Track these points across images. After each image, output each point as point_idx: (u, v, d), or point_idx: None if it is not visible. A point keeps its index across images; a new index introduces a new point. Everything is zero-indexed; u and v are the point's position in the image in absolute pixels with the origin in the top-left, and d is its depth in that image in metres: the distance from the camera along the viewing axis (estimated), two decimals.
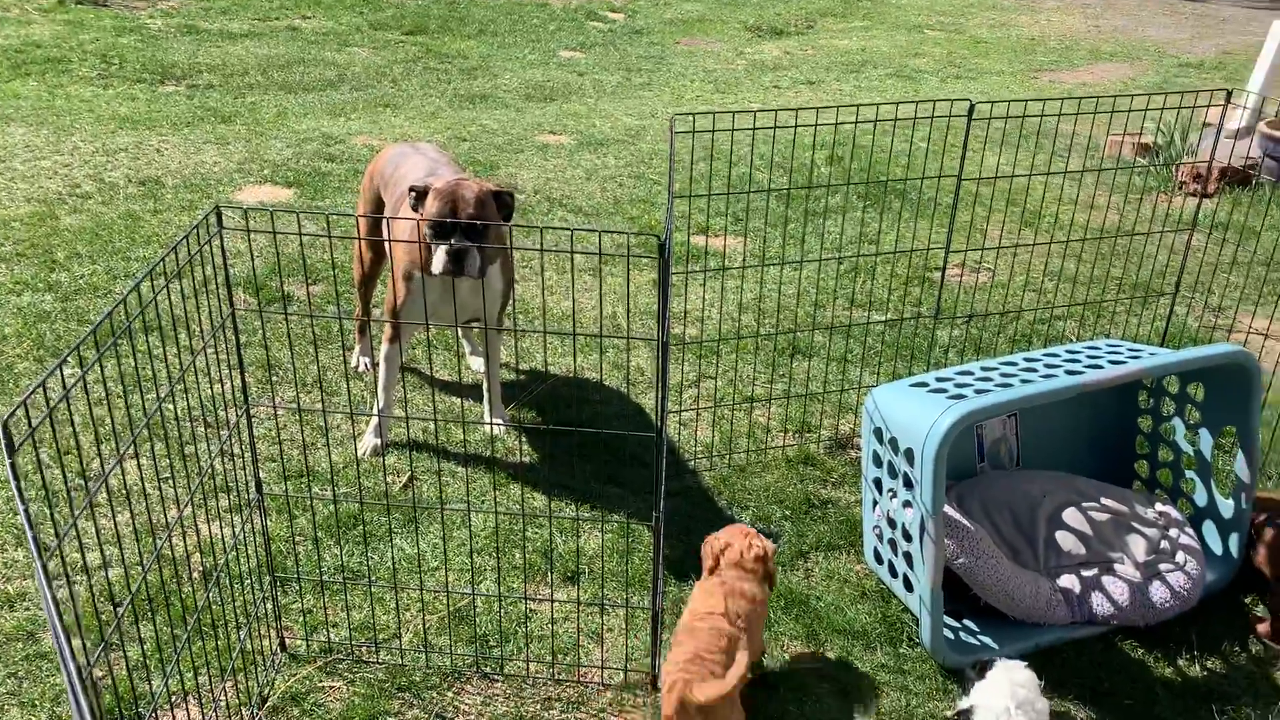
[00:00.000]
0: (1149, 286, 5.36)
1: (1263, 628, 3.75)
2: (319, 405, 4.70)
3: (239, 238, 5.56)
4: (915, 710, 3.41)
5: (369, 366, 5.05)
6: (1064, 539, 3.79)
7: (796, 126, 4.03)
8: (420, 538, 3.99)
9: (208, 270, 2.83)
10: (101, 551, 2.67)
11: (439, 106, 9.30)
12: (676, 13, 13.54)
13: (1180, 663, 3.64)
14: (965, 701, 3.13)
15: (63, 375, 2.29)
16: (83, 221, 6.22)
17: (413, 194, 4.04)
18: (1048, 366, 3.75)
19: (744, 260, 5.93)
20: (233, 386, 3.20)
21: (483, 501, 4.21)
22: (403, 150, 4.70)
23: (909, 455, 3.49)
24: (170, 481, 3.92)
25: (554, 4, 13.51)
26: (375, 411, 4.53)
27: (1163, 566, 3.73)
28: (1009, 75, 11.63)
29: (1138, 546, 3.76)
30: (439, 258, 3.96)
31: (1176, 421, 4.09)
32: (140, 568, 3.49)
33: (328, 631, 3.56)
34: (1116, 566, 3.75)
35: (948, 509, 3.64)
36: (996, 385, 3.60)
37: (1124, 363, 3.68)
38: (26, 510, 2.07)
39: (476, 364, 5.09)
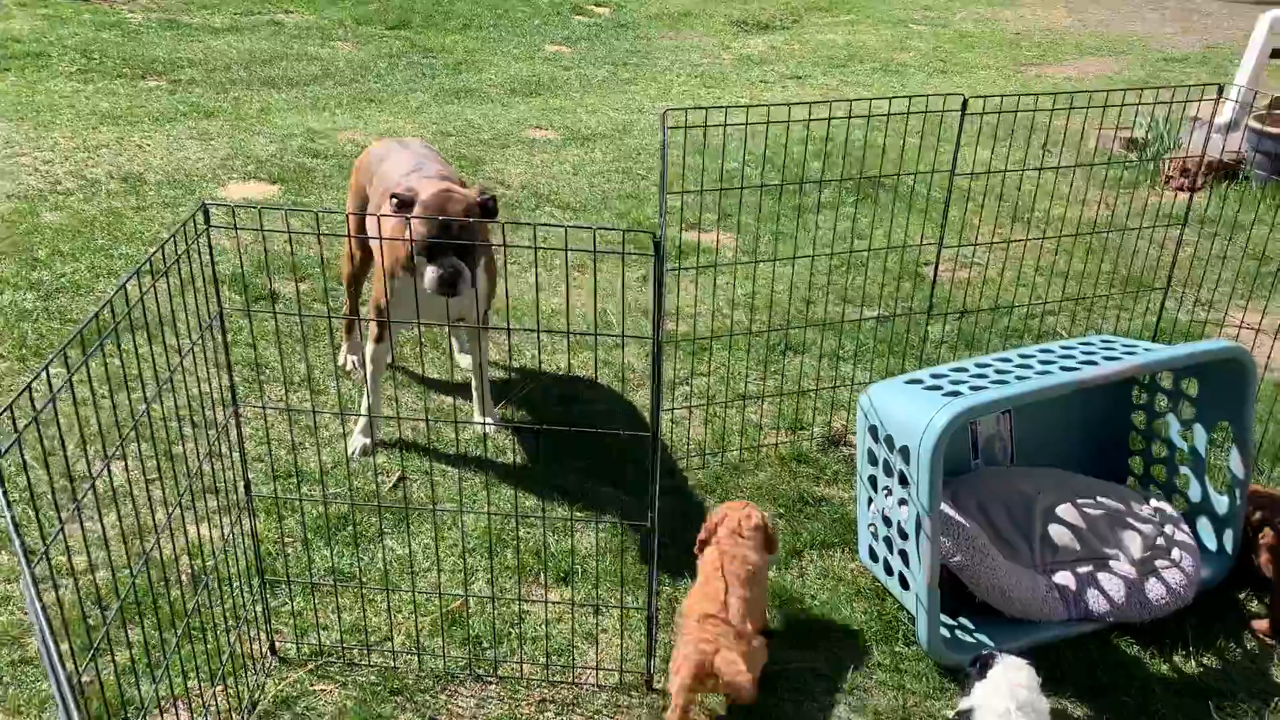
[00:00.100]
0: (1140, 282, 5.36)
1: (1261, 625, 3.75)
2: (307, 404, 4.65)
3: (224, 235, 5.49)
4: (913, 710, 3.39)
5: (357, 365, 5.00)
6: (1059, 535, 3.78)
7: (790, 122, 4.00)
8: (411, 538, 3.95)
9: (193, 268, 2.79)
10: (88, 555, 2.63)
11: (424, 101, 9.23)
12: (662, 7, 13.48)
13: (1176, 659, 3.63)
14: (966, 702, 3.11)
15: (49, 377, 2.24)
16: (64, 219, 6.14)
17: (394, 200, 3.90)
18: (1042, 363, 3.73)
19: (735, 257, 5.91)
20: (220, 386, 3.15)
21: (474, 501, 4.17)
22: (388, 146, 4.65)
23: (905, 453, 3.47)
24: (158, 483, 3.86)
25: None
26: (363, 411, 4.49)
27: (1159, 564, 3.72)
28: (995, 70, 11.63)
29: (1134, 543, 3.75)
30: (430, 278, 3.89)
31: (1170, 417, 4.08)
32: (128, 571, 3.44)
33: (318, 634, 3.51)
34: (1112, 563, 3.74)
35: (943, 506, 3.62)
36: (992, 382, 3.58)
37: (1119, 359, 3.66)
38: (12, 516, 2.02)
39: (465, 361, 5.04)
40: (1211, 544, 3.98)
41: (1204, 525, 4.01)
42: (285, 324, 5.13)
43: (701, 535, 3.56)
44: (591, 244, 5.29)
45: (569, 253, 2.96)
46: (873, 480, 3.79)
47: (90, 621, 3.37)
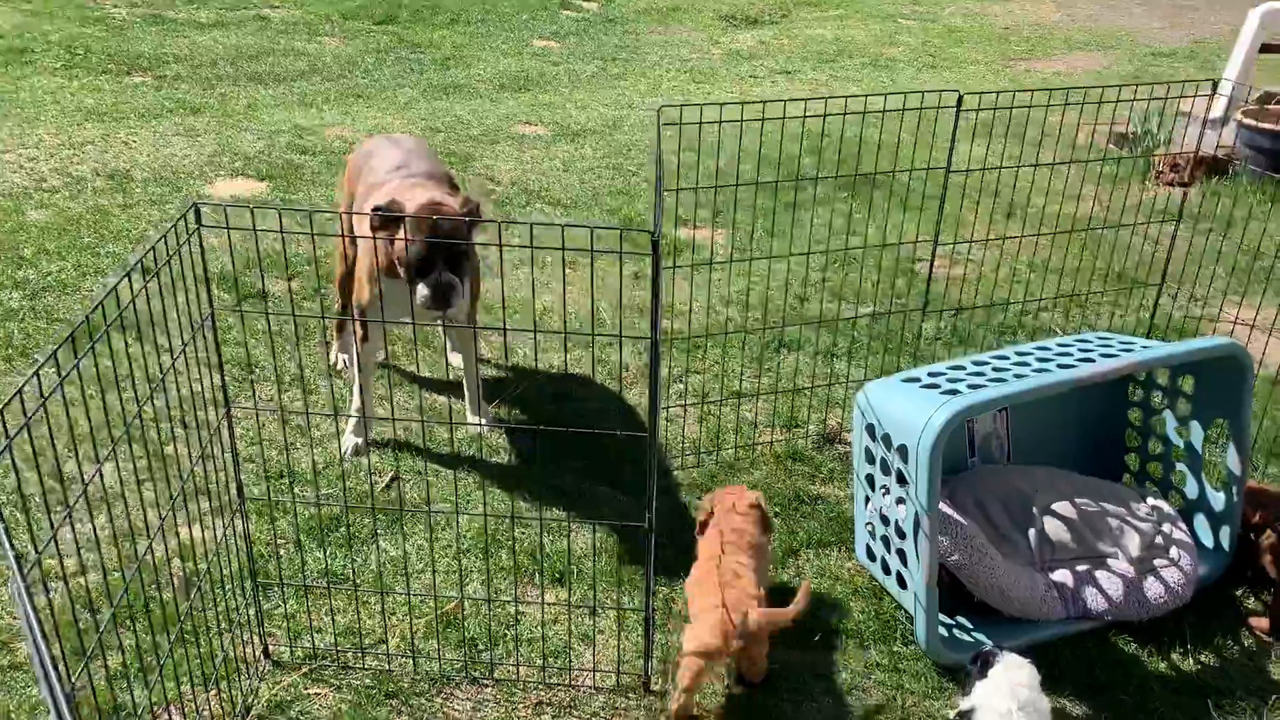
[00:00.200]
0: (1134, 278, 5.35)
1: (1260, 623, 3.74)
2: (299, 404, 4.60)
3: (213, 233, 5.43)
4: (911, 710, 3.38)
5: (347, 363, 4.95)
6: (1057, 533, 3.76)
7: (785, 119, 3.98)
8: (405, 540, 3.91)
9: (183, 267, 2.75)
10: (80, 558, 2.59)
11: (412, 97, 9.17)
12: (650, 2, 13.43)
13: (1174, 657, 3.63)
14: (966, 702, 3.09)
15: (39, 380, 2.20)
16: (49, 216, 6.07)
17: (377, 214, 3.75)
18: (1040, 360, 3.72)
19: (730, 254, 5.88)
20: (212, 386, 3.11)
21: (468, 502, 4.14)
22: (377, 143, 4.61)
23: (902, 451, 3.45)
24: (149, 485, 3.81)
25: None
26: (353, 411, 4.45)
27: (1157, 562, 3.72)
28: (984, 65, 11.63)
29: (1132, 541, 3.74)
30: (422, 295, 3.83)
31: (1167, 414, 4.07)
32: (120, 574, 3.40)
33: (312, 637, 3.48)
34: (1110, 562, 3.73)
35: (941, 505, 3.60)
36: (989, 380, 3.56)
37: (1115, 356, 3.65)
38: (4, 522, 1.98)
39: (458, 360, 5.01)
40: (1208, 541, 3.98)
41: (1200, 522, 4.00)
42: (275, 323, 5.08)
43: (700, 517, 3.69)
44: (585, 242, 5.24)
45: (563, 251, 2.93)
46: (870, 479, 3.77)
47: (81, 626, 3.32)
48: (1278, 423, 4.72)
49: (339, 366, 4.96)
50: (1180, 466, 4.06)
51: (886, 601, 3.79)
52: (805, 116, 4.05)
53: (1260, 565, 3.81)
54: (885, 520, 3.67)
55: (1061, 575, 3.72)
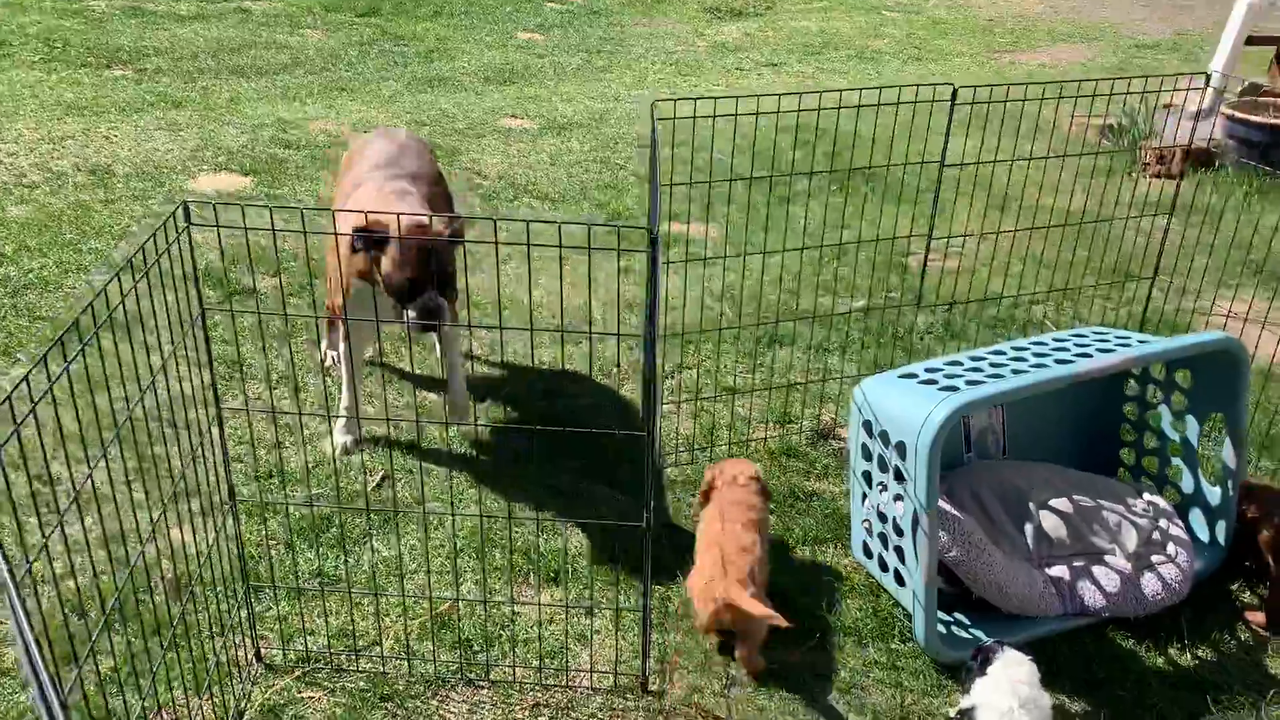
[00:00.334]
0: (1127, 272, 5.35)
1: (1256, 617, 3.74)
2: (286, 401, 4.55)
3: (199, 229, 5.36)
4: (911, 708, 3.36)
5: (336, 360, 4.90)
6: (1054, 529, 3.75)
7: (780, 112, 3.94)
8: (399, 540, 3.87)
9: (172, 265, 2.71)
10: (70, 561, 2.54)
11: (396, 90, 9.10)
12: None
13: (1171, 652, 3.62)
14: (967, 700, 3.08)
15: (29, 383, 2.15)
16: (30, 212, 5.98)
17: (358, 236, 3.68)
18: (1037, 355, 3.70)
19: (724, 249, 5.84)
20: (202, 386, 3.06)
21: (462, 501, 4.09)
22: (373, 136, 4.54)
23: (900, 448, 3.43)
24: (139, 487, 3.75)
25: None
26: (342, 409, 4.39)
27: (1155, 558, 3.71)
28: (969, 57, 11.63)
29: (1129, 537, 3.73)
30: (413, 319, 3.77)
31: (1163, 408, 4.06)
32: (109, 577, 3.34)
33: (305, 640, 3.43)
34: (1107, 558, 3.72)
35: (939, 501, 3.58)
36: (987, 375, 3.54)
37: (1113, 351, 3.64)
38: None
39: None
40: (1204, 535, 3.97)
41: (1196, 517, 4.00)
42: (264, 320, 5.01)
43: (702, 488, 3.82)
44: (573, 238, 5.19)
45: (552, 247, 2.89)
46: (867, 475, 3.74)
47: (71, 630, 3.27)
48: (1269, 415, 4.73)
49: (328, 363, 4.90)
50: (1176, 461, 4.06)
51: (884, 599, 3.77)
52: (800, 110, 4.01)
53: (1264, 561, 3.80)
54: (883, 517, 3.65)
55: (1058, 571, 3.71)
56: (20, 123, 7.28)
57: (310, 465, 4.21)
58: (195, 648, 3.14)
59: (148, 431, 2.96)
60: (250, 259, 5.11)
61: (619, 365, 5.02)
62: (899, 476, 3.47)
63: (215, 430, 3.13)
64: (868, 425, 3.64)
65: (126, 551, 2.77)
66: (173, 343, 2.80)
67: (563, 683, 3.38)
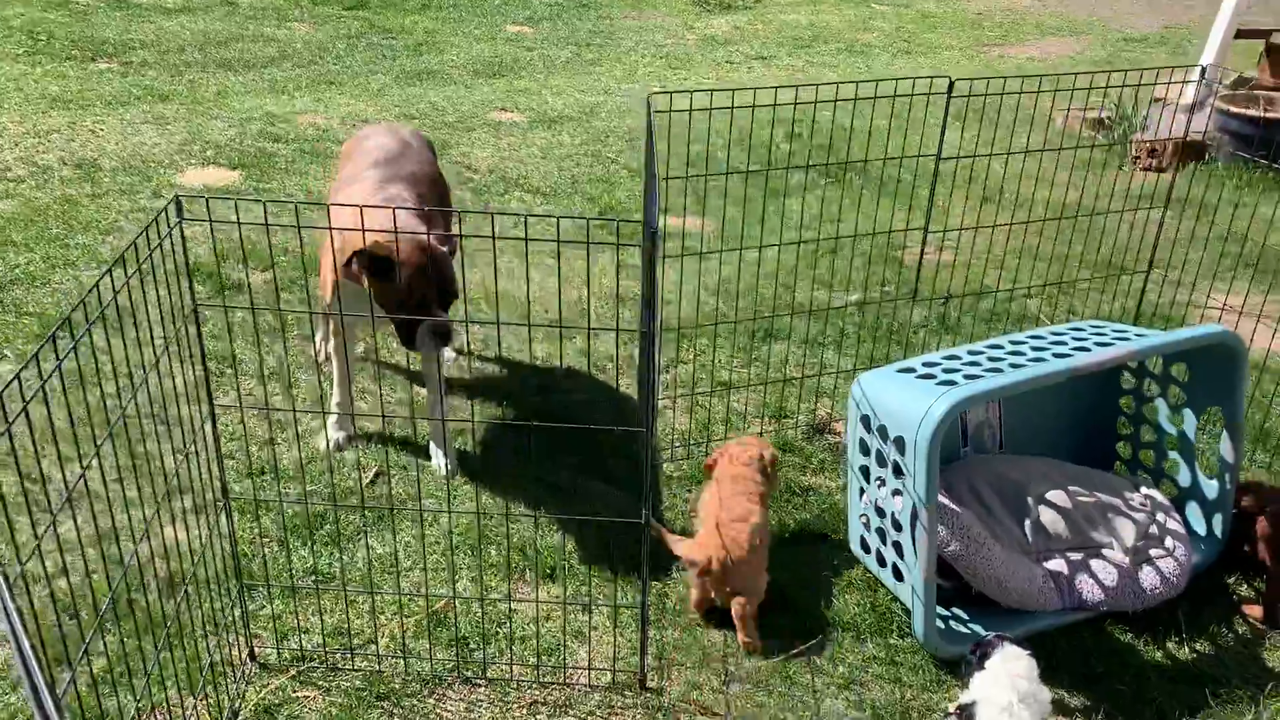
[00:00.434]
0: (1121, 266, 5.34)
1: (1254, 611, 3.74)
2: (284, 401, 4.50)
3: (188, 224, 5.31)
4: (910, 703, 3.35)
5: (330, 355, 4.85)
6: (1052, 523, 3.74)
7: (776, 105, 3.92)
8: (395, 537, 3.83)
9: (164, 261, 2.67)
10: (62, 557, 2.50)
11: (385, 84, 9.03)
12: None
13: (1170, 645, 3.62)
14: (966, 695, 3.06)
15: (21, 382, 2.11)
16: (15, 207, 5.92)
17: (362, 258, 3.62)
18: (1035, 349, 3.68)
19: (721, 243, 5.82)
20: (195, 381, 3.02)
21: (457, 498, 4.06)
22: (373, 131, 4.49)
23: (899, 443, 3.41)
24: (132, 486, 3.71)
25: None
26: (334, 405, 4.36)
27: (1153, 552, 3.70)
28: (958, 50, 11.62)
29: (1126, 531, 3.72)
30: (423, 337, 3.73)
31: (1160, 402, 4.06)
32: (101, 576, 3.30)
33: (299, 638, 3.40)
34: (1105, 551, 3.71)
35: (939, 496, 3.57)
36: (985, 370, 3.53)
37: (1110, 344, 3.63)
38: None
39: (449, 354, 4.91)
40: (1200, 529, 3.97)
41: (1193, 510, 4.00)
42: (255, 315, 4.96)
43: (708, 461, 3.94)
44: (567, 232, 5.15)
45: (544, 241, 2.86)
46: (864, 470, 3.73)
47: (63, 630, 3.23)
48: (1263, 409, 4.74)
49: (322, 358, 4.85)
50: (1173, 454, 4.05)
51: (881, 594, 3.75)
52: (796, 103, 3.99)
53: (1259, 556, 3.80)
54: (881, 512, 3.63)
55: (1056, 565, 3.70)
56: (4, 116, 7.20)
57: (304, 462, 4.17)
58: (189, 647, 3.11)
59: (141, 428, 2.92)
60: (244, 254, 5.06)
61: (615, 360, 4.99)
62: (898, 471, 3.45)
63: (208, 427, 3.09)
64: (866, 420, 3.62)
65: (120, 550, 2.73)
66: (165, 339, 2.76)
67: (560, 680, 3.36)
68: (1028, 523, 3.74)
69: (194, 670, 3.10)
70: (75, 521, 3.02)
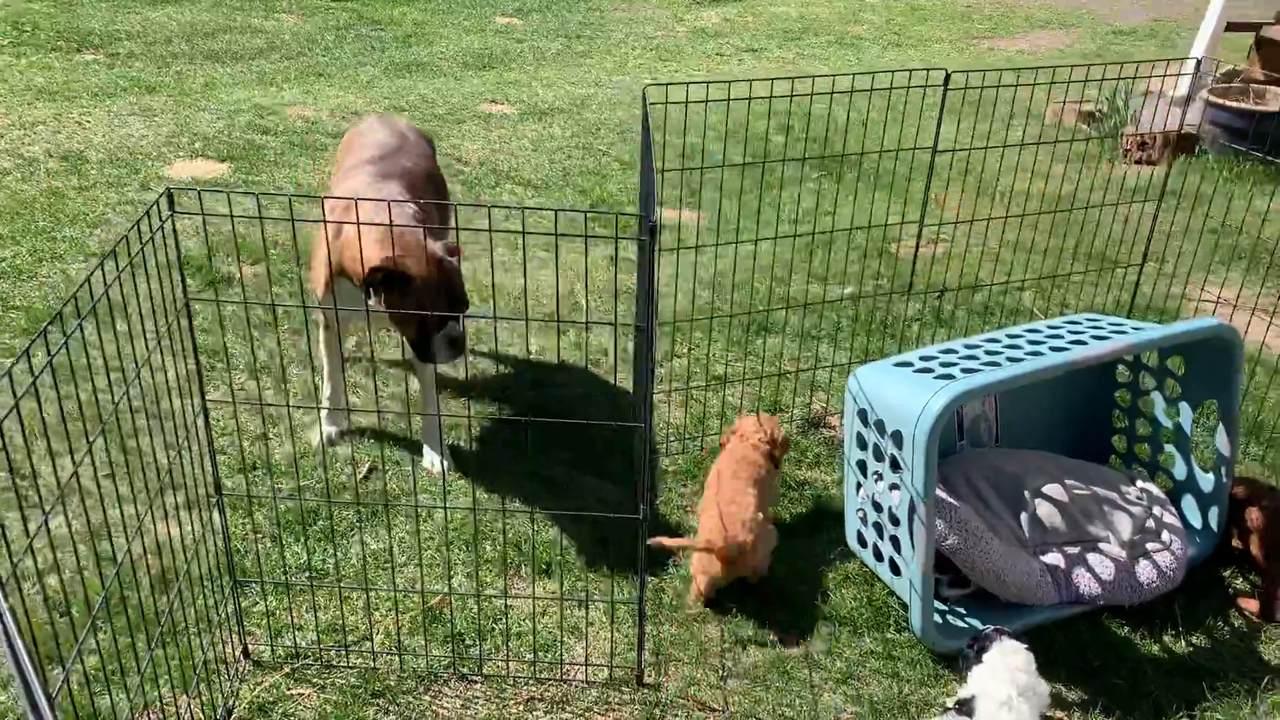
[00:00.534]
0: (1115, 260, 5.34)
1: (1250, 604, 3.74)
2: (278, 396, 4.47)
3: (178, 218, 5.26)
4: (908, 698, 3.34)
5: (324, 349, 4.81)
6: (1049, 516, 3.74)
7: (772, 97, 3.89)
8: (389, 532, 3.80)
9: (156, 254, 2.63)
10: (54, 555, 2.46)
11: (374, 75, 8.98)
12: None
13: (1166, 639, 3.62)
14: (965, 690, 3.06)
15: (12, 378, 2.08)
16: (1, 200, 5.85)
17: (378, 275, 3.54)
18: (1031, 343, 3.67)
19: (716, 236, 5.80)
20: (187, 376, 2.98)
21: (452, 493, 4.03)
22: (373, 124, 4.44)
23: (897, 437, 3.39)
24: (124, 481, 3.68)
25: None
26: (325, 400, 4.32)
27: (1149, 546, 3.70)
28: (948, 43, 11.62)
29: (1123, 525, 3.72)
30: (441, 348, 3.69)
31: (1156, 395, 4.05)
32: (93, 573, 3.27)
33: (294, 635, 3.37)
34: (1102, 545, 3.71)
35: (936, 490, 3.55)
36: (982, 364, 3.51)
37: (1108, 338, 3.62)
38: None
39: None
40: (1196, 522, 3.97)
41: (1189, 503, 3.99)
42: (244, 310, 4.92)
43: (721, 439, 4.02)
44: (563, 226, 5.14)
45: (555, 237, 2.83)
46: (861, 465, 3.71)
47: (55, 628, 3.19)
48: (1258, 402, 4.74)
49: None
50: (1169, 448, 4.05)
51: (878, 588, 3.74)
52: (792, 95, 3.96)
53: (1250, 551, 3.80)
54: (878, 507, 3.62)
55: (1053, 559, 3.69)
56: None
57: (297, 457, 4.13)
58: (182, 644, 3.08)
59: (132, 424, 2.88)
60: (236, 247, 5.02)
61: (613, 355, 4.97)
62: (895, 465, 3.44)
63: (200, 422, 3.06)
64: (863, 414, 3.61)
65: (112, 546, 2.70)
66: (156, 333, 2.72)
67: (557, 676, 3.34)
68: (1024, 516, 3.73)
69: (187, 668, 3.07)
70: (66, 517, 2.99)
